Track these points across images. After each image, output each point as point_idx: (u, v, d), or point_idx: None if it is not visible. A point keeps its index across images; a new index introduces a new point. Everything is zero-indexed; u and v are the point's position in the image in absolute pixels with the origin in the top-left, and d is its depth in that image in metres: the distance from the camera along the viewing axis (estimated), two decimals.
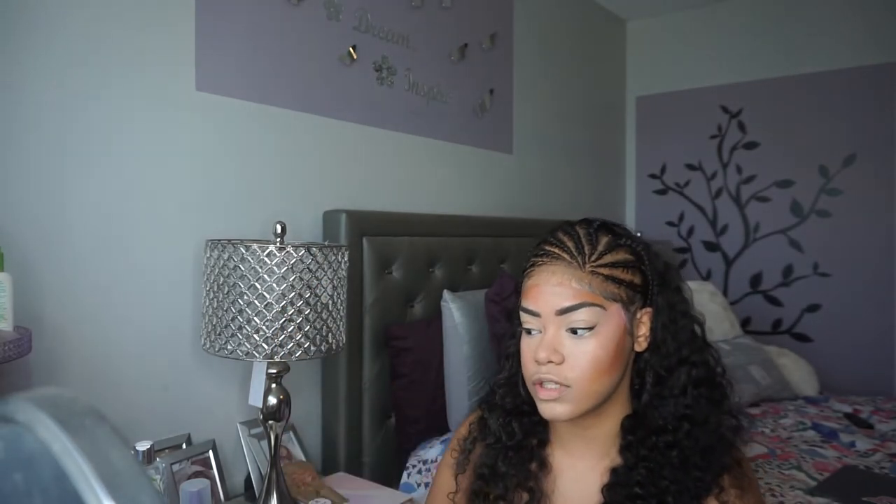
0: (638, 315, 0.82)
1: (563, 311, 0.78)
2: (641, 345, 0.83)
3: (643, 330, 0.83)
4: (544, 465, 0.87)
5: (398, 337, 1.85)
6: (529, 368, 0.81)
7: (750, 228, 3.25)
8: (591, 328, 0.78)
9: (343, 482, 1.60)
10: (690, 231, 3.44)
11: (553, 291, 0.79)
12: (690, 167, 3.43)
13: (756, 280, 3.22)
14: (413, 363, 1.84)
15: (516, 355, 0.88)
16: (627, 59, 3.66)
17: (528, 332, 0.82)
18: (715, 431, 0.81)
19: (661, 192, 3.54)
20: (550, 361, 0.78)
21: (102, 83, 1.39)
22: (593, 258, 0.80)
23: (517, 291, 0.88)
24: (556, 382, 0.78)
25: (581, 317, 0.78)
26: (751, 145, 3.25)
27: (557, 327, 0.79)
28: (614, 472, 0.82)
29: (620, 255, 0.81)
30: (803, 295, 3.08)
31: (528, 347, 0.82)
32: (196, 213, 1.57)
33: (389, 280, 1.91)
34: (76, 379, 1.34)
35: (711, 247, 3.37)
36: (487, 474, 0.87)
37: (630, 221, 3.66)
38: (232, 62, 1.64)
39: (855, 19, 2.95)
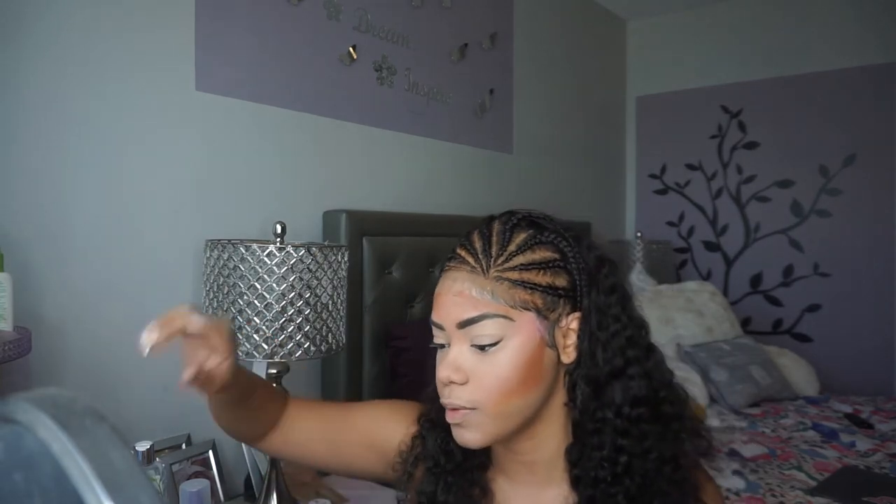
0: (564, 322, 0.71)
1: (463, 325, 0.69)
2: (569, 356, 0.72)
3: (572, 338, 0.72)
4: (486, 492, 0.78)
5: (398, 337, 1.85)
6: (438, 388, 0.73)
7: (750, 228, 3.25)
8: (496, 343, 0.68)
9: (342, 482, 1.59)
10: (690, 231, 3.44)
11: (453, 302, 0.70)
12: (690, 167, 3.43)
13: (756, 280, 3.22)
14: (413, 363, 1.84)
15: None
16: (627, 59, 3.66)
17: (441, 346, 0.74)
18: (661, 465, 0.70)
19: (661, 192, 3.54)
20: (452, 382, 0.70)
21: (102, 83, 1.39)
22: (500, 261, 0.69)
23: None
24: (459, 407, 0.70)
25: (483, 331, 0.68)
26: (751, 145, 3.25)
27: (461, 342, 0.70)
28: None
29: (538, 255, 0.70)
30: (803, 295, 3.08)
31: (439, 362, 0.73)
32: (196, 213, 1.57)
33: (389, 280, 1.91)
34: (76, 379, 1.34)
35: (712, 247, 3.37)
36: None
37: (630, 221, 3.66)
38: (232, 62, 1.64)
39: (855, 19, 2.95)
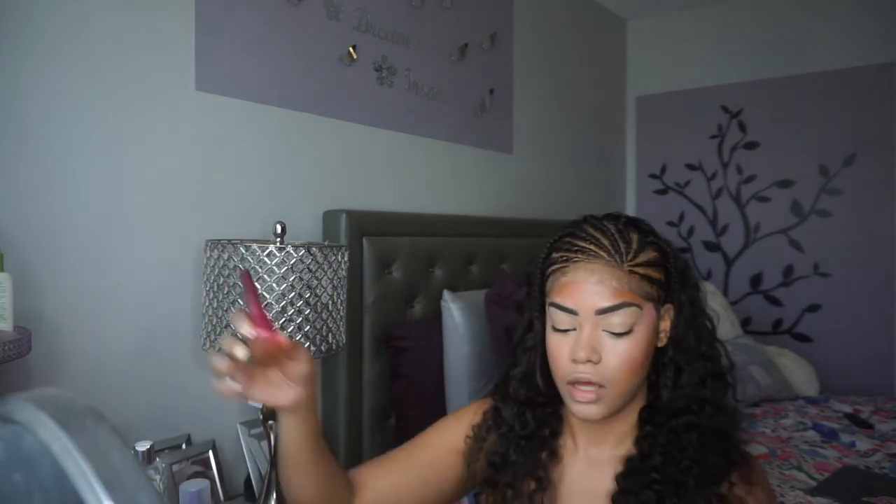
0: (661, 311, 0.84)
1: (604, 311, 0.78)
2: (663, 340, 0.84)
3: (664, 326, 0.84)
4: (555, 454, 0.88)
5: (398, 337, 1.85)
6: (564, 367, 0.81)
7: (750, 228, 3.25)
8: (629, 330, 0.78)
9: None
10: (690, 231, 3.43)
11: (593, 290, 0.79)
12: (690, 167, 3.43)
13: (756, 280, 3.22)
14: (413, 363, 1.84)
15: (537, 349, 0.89)
16: (627, 59, 3.66)
17: (563, 330, 0.82)
18: (732, 417, 0.84)
19: (662, 192, 3.54)
20: (589, 360, 0.78)
21: (102, 83, 1.39)
22: (629, 256, 0.80)
23: (530, 284, 0.89)
24: (594, 383, 0.79)
25: (620, 318, 0.78)
26: (751, 145, 3.24)
27: (594, 326, 0.79)
28: (629, 460, 0.83)
29: (651, 254, 0.82)
30: (803, 295, 3.08)
31: (563, 345, 0.81)
32: (196, 213, 1.57)
33: (389, 280, 1.91)
34: (75, 379, 1.34)
35: (712, 247, 3.37)
36: (499, 462, 0.88)
37: None
38: (232, 62, 1.64)
39: (855, 19, 2.95)
